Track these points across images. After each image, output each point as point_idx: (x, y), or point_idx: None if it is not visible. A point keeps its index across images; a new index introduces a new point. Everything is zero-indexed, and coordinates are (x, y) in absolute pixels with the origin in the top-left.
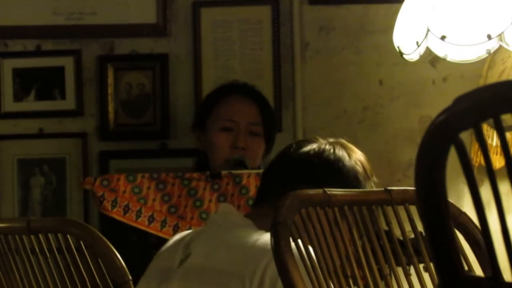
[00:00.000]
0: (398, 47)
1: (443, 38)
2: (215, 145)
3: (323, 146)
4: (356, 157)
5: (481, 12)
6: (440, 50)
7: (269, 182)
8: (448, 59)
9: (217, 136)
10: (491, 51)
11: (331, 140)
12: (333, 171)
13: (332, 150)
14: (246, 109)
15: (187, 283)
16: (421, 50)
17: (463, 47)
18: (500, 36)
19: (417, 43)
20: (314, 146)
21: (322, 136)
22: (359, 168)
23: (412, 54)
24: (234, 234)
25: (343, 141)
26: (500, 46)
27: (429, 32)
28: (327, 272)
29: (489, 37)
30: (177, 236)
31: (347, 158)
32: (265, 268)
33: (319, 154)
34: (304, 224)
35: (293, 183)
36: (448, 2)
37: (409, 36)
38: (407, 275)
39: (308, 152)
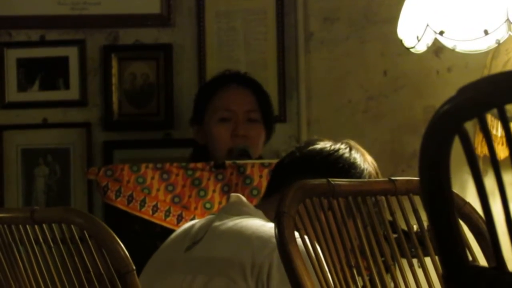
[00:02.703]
0: (402, 41)
1: (441, 33)
2: (216, 136)
3: (338, 145)
4: (369, 159)
5: (478, 7)
6: (448, 41)
7: (282, 174)
8: (457, 49)
9: (216, 128)
10: (501, 41)
11: (344, 140)
12: (350, 168)
13: (348, 149)
14: (242, 97)
15: (190, 270)
16: (429, 41)
17: (462, 42)
18: (509, 26)
19: (417, 37)
20: (329, 143)
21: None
22: (372, 170)
23: (417, 46)
24: (242, 224)
25: (353, 142)
26: (509, 36)
27: (428, 27)
28: (331, 262)
29: (486, 32)
30: (186, 225)
31: (362, 158)
32: (266, 257)
33: (336, 151)
34: (308, 214)
35: (308, 174)
36: None
37: (410, 31)
38: (411, 266)
39: (324, 148)
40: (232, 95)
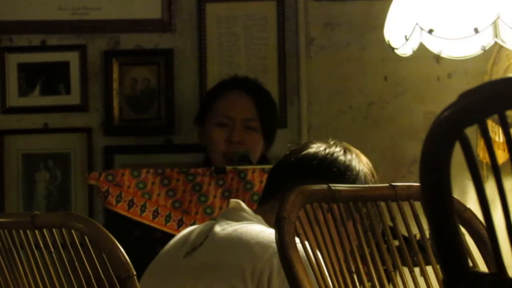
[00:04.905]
0: (388, 41)
1: (430, 31)
2: (212, 140)
3: (332, 148)
4: (364, 160)
5: (468, 5)
6: (434, 46)
7: (278, 178)
8: (443, 55)
9: (213, 132)
10: (486, 48)
11: (338, 142)
12: (346, 171)
13: (342, 152)
14: (242, 104)
15: (190, 277)
16: (414, 45)
17: (454, 41)
18: (496, 33)
19: (406, 37)
20: (323, 146)
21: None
22: (367, 171)
23: (402, 48)
24: (242, 230)
25: (347, 144)
26: (495, 42)
27: (417, 26)
28: (331, 267)
29: (476, 30)
30: (185, 231)
31: (357, 159)
32: (266, 263)
33: (331, 154)
34: (309, 219)
35: (304, 178)
36: None
37: (398, 30)
38: (412, 271)
39: (318, 151)
40: (232, 101)
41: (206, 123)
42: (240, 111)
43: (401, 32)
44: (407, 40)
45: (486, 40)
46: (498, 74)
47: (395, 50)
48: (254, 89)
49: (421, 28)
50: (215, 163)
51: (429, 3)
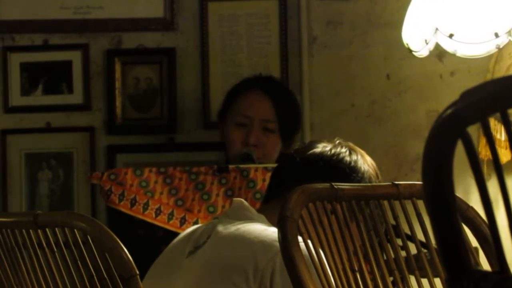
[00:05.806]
0: (407, 44)
1: (451, 36)
2: (229, 140)
3: (338, 148)
4: (369, 160)
5: (488, 10)
6: (449, 45)
7: (282, 178)
8: (458, 54)
9: (231, 131)
10: (501, 46)
11: (343, 142)
12: (351, 172)
13: (348, 152)
14: (261, 105)
15: (193, 276)
16: (431, 46)
17: (472, 44)
18: (510, 32)
19: (426, 41)
20: (329, 146)
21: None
22: (372, 171)
23: (421, 51)
24: (245, 229)
25: (352, 144)
26: (509, 41)
27: (437, 30)
28: (334, 266)
29: (496, 35)
30: (188, 230)
31: (362, 160)
32: (269, 262)
33: (336, 154)
34: (311, 218)
35: (308, 179)
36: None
37: (417, 33)
38: (414, 270)
39: (323, 151)
40: (251, 101)
41: (227, 121)
42: (259, 112)
43: (421, 36)
44: (427, 43)
45: (500, 39)
46: (500, 73)
47: (414, 53)
48: (274, 89)
49: (442, 33)
50: (231, 162)
51: (448, 8)
